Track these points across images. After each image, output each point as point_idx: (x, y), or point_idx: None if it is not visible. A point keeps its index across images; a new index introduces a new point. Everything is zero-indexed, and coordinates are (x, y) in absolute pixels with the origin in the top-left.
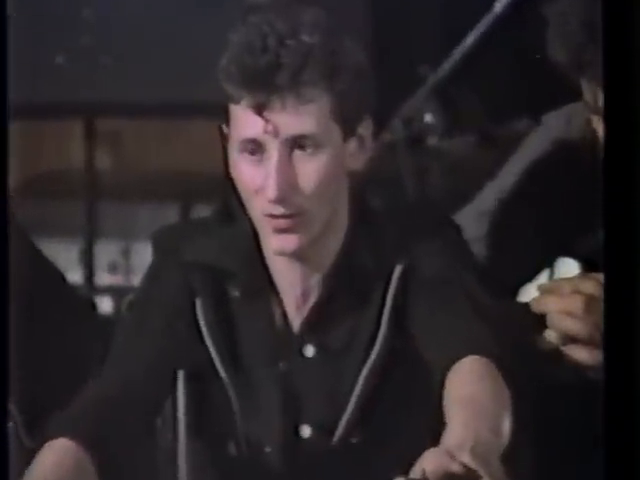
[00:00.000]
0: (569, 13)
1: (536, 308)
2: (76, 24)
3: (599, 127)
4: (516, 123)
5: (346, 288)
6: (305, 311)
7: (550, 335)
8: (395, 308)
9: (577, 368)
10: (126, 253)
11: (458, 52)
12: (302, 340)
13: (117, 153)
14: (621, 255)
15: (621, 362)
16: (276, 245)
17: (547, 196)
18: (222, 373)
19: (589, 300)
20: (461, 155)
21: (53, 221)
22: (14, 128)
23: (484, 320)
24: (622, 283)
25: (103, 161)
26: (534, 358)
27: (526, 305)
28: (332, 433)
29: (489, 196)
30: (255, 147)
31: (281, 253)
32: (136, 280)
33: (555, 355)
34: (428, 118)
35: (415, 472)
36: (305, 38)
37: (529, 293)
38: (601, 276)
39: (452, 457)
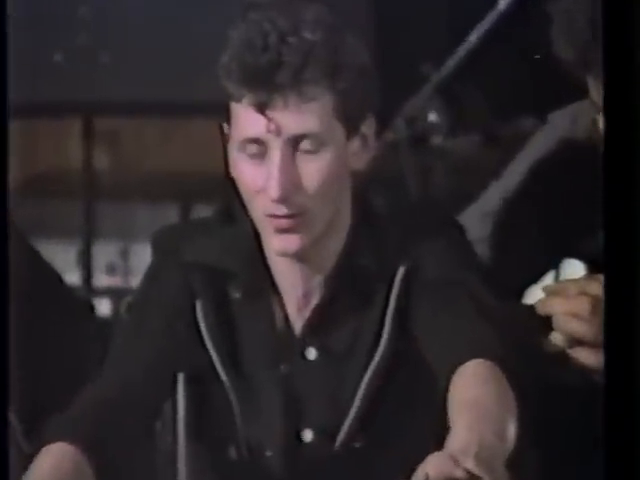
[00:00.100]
0: (574, 10)
1: (541, 310)
2: (72, 22)
3: None
4: (521, 122)
5: (348, 289)
6: (307, 313)
7: (556, 337)
8: (398, 310)
9: (583, 371)
10: (124, 254)
11: (462, 50)
12: (304, 342)
13: (116, 152)
14: (621, 255)
15: (621, 363)
16: (278, 245)
17: (552, 196)
18: (222, 376)
19: (595, 302)
20: (465, 155)
21: (51, 221)
22: (12, 127)
23: (488, 322)
24: (623, 284)
25: (101, 161)
26: (539, 361)
27: (531, 307)
28: (334, 437)
29: (493, 196)
30: (257, 146)
31: (283, 254)
32: (135, 281)
33: (561, 358)
34: (432, 117)
35: (418, 476)
36: (307, 35)
37: (534, 295)
38: None
39: (456, 462)
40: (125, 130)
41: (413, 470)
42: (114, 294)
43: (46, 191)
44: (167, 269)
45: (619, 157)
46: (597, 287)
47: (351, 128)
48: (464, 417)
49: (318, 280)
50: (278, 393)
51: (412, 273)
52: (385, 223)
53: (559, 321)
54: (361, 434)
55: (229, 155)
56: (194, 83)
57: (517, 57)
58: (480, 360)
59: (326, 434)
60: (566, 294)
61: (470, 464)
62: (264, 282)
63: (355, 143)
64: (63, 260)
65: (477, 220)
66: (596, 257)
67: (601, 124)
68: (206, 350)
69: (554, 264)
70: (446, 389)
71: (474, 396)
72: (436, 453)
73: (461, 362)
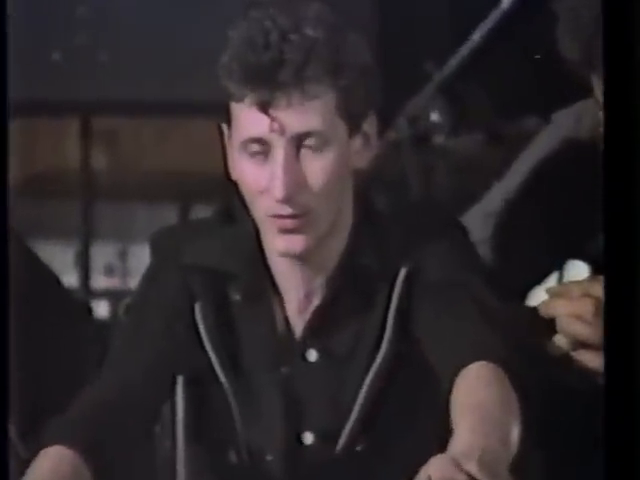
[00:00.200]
0: (580, 8)
1: (545, 312)
2: (71, 22)
3: None
4: (525, 121)
5: (350, 290)
6: (307, 314)
7: (559, 340)
8: (400, 311)
9: (586, 373)
10: (123, 255)
11: (465, 49)
12: (304, 344)
13: (114, 152)
14: (622, 256)
15: (621, 363)
16: (282, 246)
17: (556, 197)
18: (222, 378)
19: (599, 304)
20: (468, 154)
21: (48, 222)
22: (11, 127)
23: (491, 324)
24: (623, 285)
25: (99, 161)
26: (543, 363)
27: (534, 309)
28: (335, 440)
29: (496, 197)
30: (259, 146)
31: (286, 254)
32: (133, 283)
33: (565, 360)
34: (434, 116)
35: (420, 478)
36: (309, 32)
37: (538, 296)
38: None
39: (459, 466)
40: (123, 130)
41: (415, 473)
42: (112, 296)
43: (44, 191)
44: (166, 270)
45: (619, 155)
46: (601, 289)
47: (353, 126)
48: (467, 420)
49: (320, 281)
50: (278, 395)
51: (414, 274)
52: (387, 222)
53: (562, 323)
54: (362, 437)
55: (229, 156)
56: (193, 83)
57: (520, 56)
58: (483, 362)
59: (327, 437)
60: (570, 296)
61: (473, 468)
62: (264, 283)
63: (357, 141)
64: (61, 261)
65: (480, 221)
66: (600, 259)
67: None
68: (205, 352)
69: (558, 265)
70: (449, 391)
71: (477, 399)
72: (439, 455)
73: (464, 364)
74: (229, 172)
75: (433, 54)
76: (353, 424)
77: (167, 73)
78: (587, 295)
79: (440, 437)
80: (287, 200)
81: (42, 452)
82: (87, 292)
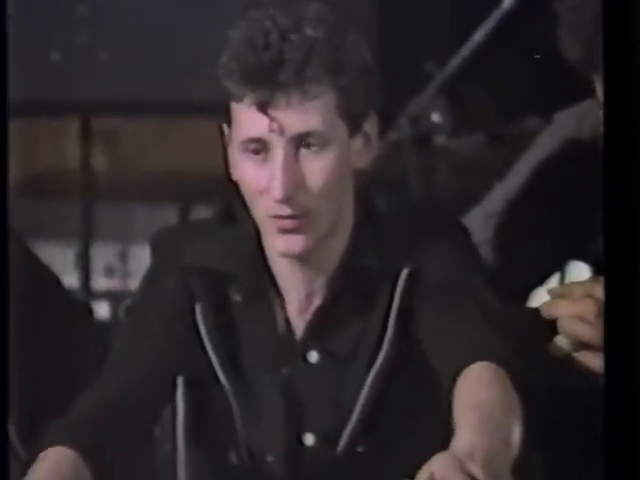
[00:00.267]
0: (581, 7)
1: (547, 313)
2: (70, 21)
3: None
4: (527, 122)
5: (351, 290)
6: (308, 315)
7: (561, 341)
8: (401, 312)
9: (588, 375)
10: (123, 256)
11: (466, 49)
12: (305, 345)
13: (114, 153)
14: (622, 257)
15: (621, 363)
16: (281, 246)
17: (557, 197)
18: (223, 380)
19: (601, 304)
20: (469, 155)
21: (48, 223)
22: (11, 127)
23: (493, 325)
24: (623, 285)
25: (99, 161)
26: (544, 364)
27: (536, 310)
28: (336, 442)
29: (498, 197)
30: (259, 146)
31: (286, 255)
32: (133, 284)
33: (566, 361)
34: (435, 117)
35: (423, 473)
36: (309, 32)
37: (539, 297)
38: None
39: (462, 467)
40: (123, 130)
41: (416, 474)
42: (113, 297)
43: (44, 192)
44: (166, 272)
45: (619, 155)
46: (603, 290)
47: (354, 126)
48: (469, 419)
49: (320, 281)
50: (279, 397)
51: (416, 275)
52: (388, 223)
53: (564, 324)
54: (363, 438)
55: (230, 156)
56: (193, 82)
57: (522, 56)
58: (485, 363)
59: (328, 438)
60: (571, 297)
61: (477, 470)
62: (265, 284)
63: (358, 141)
64: (61, 262)
65: (481, 222)
66: (602, 259)
67: None
68: (206, 353)
69: (559, 266)
70: (450, 392)
71: (479, 399)
72: (443, 453)
73: (466, 365)
74: (229, 172)
75: (434, 54)
76: (354, 425)
77: (167, 73)
78: (589, 296)
79: (441, 438)
80: (286, 200)
81: (43, 453)
82: (87, 293)
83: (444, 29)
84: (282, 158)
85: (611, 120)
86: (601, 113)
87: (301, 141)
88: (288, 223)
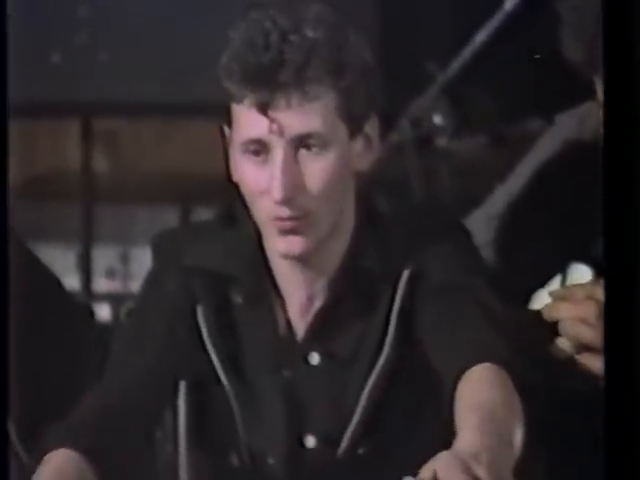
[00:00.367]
0: (583, 7)
1: (548, 315)
2: (71, 21)
3: None
4: (528, 123)
5: (352, 292)
6: (310, 317)
7: (563, 343)
8: (403, 313)
9: (589, 377)
10: (124, 258)
11: (468, 50)
12: (307, 347)
13: (114, 154)
14: (622, 258)
15: (621, 364)
16: (282, 248)
17: (559, 199)
18: (224, 381)
19: (602, 307)
20: (471, 157)
21: (49, 225)
22: (11, 128)
23: (494, 327)
24: (623, 286)
25: (100, 163)
26: (546, 366)
27: (538, 312)
28: (338, 444)
29: (499, 199)
30: (259, 147)
31: (287, 256)
32: (134, 286)
33: (568, 363)
34: (437, 119)
35: (425, 470)
36: (309, 33)
37: (541, 300)
38: None
39: (467, 468)
40: (124, 131)
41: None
42: (114, 299)
43: (44, 193)
44: (168, 273)
45: (619, 155)
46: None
47: (354, 128)
48: (471, 420)
49: (322, 283)
50: (280, 399)
51: (417, 277)
52: (389, 225)
53: (566, 326)
54: (365, 440)
55: (230, 158)
56: (193, 83)
57: (523, 58)
58: (487, 364)
59: (329, 440)
60: (573, 299)
61: (482, 472)
62: (266, 286)
63: (359, 143)
64: (62, 264)
65: (483, 224)
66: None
67: None
68: (207, 355)
69: (561, 268)
70: (452, 394)
71: (481, 400)
72: (447, 452)
73: (467, 366)
74: (230, 174)
75: (435, 55)
76: (355, 427)
77: (167, 74)
78: (590, 298)
79: (443, 439)
80: (286, 202)
81: (47, 456)
82: (88, 295)
83: (446, 30)
84: (282, 159)
85: (611, 121)
86: (602, 114)
87: (301, 142)
88: (288, 224)
